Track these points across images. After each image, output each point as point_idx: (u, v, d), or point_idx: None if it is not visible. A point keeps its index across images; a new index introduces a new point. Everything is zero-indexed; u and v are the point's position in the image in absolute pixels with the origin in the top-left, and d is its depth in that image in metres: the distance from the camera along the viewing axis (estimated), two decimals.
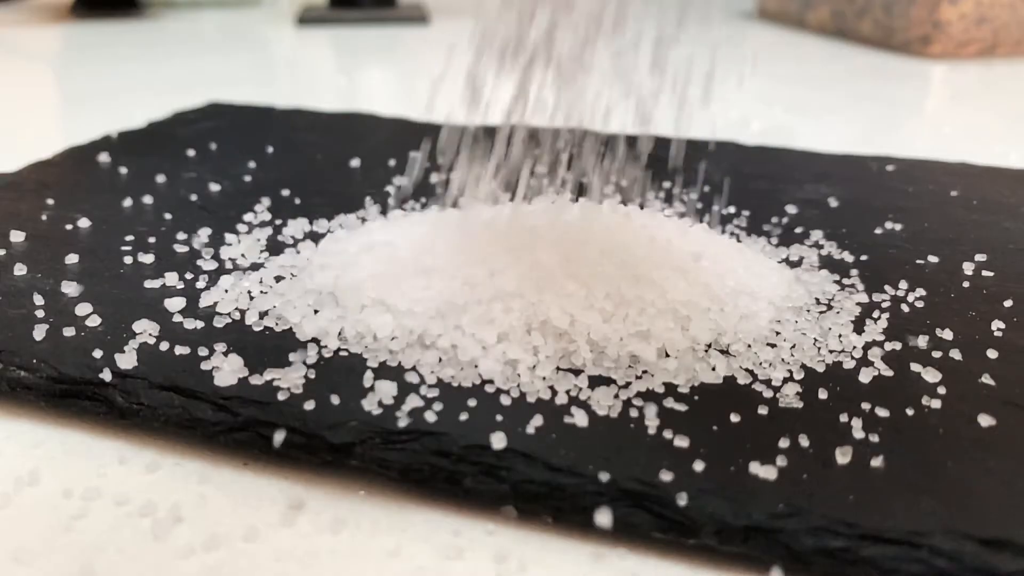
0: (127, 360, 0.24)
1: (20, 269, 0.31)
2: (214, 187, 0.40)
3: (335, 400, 0.23)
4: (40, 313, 0.27)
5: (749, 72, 0.77)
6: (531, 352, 0.24)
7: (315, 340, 0.25)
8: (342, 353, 0.25)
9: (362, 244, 0.29)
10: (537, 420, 0.22)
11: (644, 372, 0.24)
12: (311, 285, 0.28)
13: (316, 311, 0.27)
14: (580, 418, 0.22)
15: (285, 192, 0.40)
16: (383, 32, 1.02)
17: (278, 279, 0.30)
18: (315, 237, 0.34)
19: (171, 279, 0.30)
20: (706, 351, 0.25)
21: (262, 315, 0.27)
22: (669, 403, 0.23)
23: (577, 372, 0.24)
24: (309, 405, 0.22)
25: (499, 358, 0.24)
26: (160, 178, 0.42)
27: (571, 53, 0.26)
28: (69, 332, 0.26)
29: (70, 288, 0.29)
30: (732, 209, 0.38)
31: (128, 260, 0.32)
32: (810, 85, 0.75)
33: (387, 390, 0.23)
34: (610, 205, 0.30)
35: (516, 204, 0.29)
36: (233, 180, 0.42)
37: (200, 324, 0.27)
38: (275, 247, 0.33)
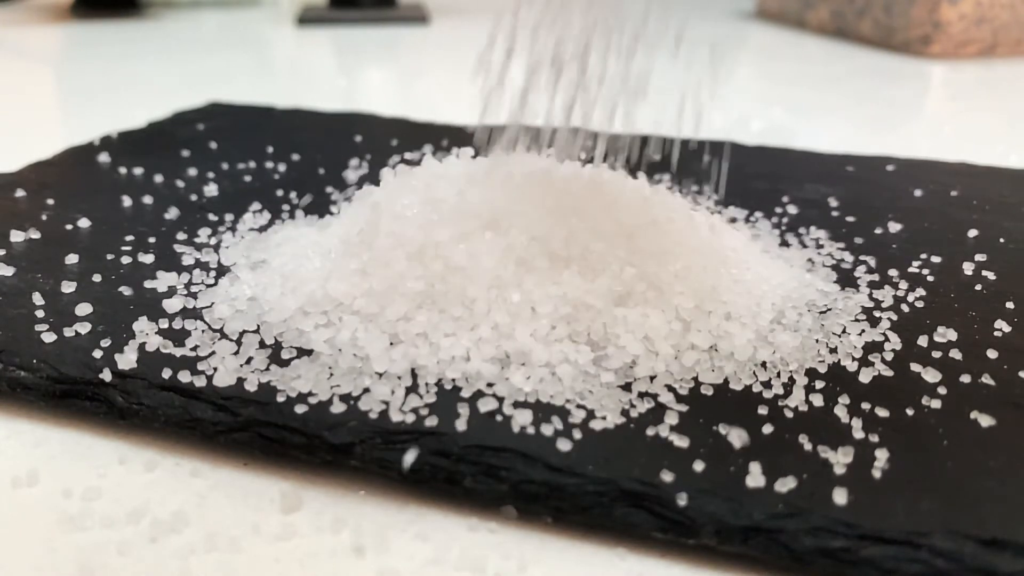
0: (127, 360, 0.24)
1: (20, 269, 0.31)
2: (214, 187, 0.40)
3: (335, 400, 0.23)
4: (40, 313, 0.27)
5: (738, 71, 0.76)
6: (531, 352, 0.24)
7: (314, 339, 0.25)
8: (339, 353, 0.25)
9: (347, 243, 0.28)
10: (537, 420, 0.22)
11: (644, 372, 0.24)
12: (305, 281, 0.28)
13: (314, 310, 0.27)
14: (580, 418, 0.22)
15: (285, 192, 0.40)
16: (383, 32, 1.02)
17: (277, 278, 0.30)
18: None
19: (171, 279, 0.30)
20: (707, 351, 0.25)
21: (261, 315, 0.27)
22: (669, 403, 0.23)
23: (577, 372, 0.24)
24: (308, 405, 0.22)
25: (499, 359, 0.24)
26: (160, 178, 0.42)
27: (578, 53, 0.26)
28: (69, 332, 0.26)
29: (70, 288, 0.29)
30: (731, 209, 0.38)
31: (128, 260, 0.32)
32: (810, 85, 0.75)
33: (386, 390, 0.23)
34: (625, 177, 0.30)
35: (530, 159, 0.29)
36: (233, 180, 0.42)
37: (200, 324, 0.27)
38: (275, 247, 0.33)
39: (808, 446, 0.21)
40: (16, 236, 0.33)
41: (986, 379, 0.24)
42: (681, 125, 0.28)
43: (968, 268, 0.32)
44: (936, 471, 0.21)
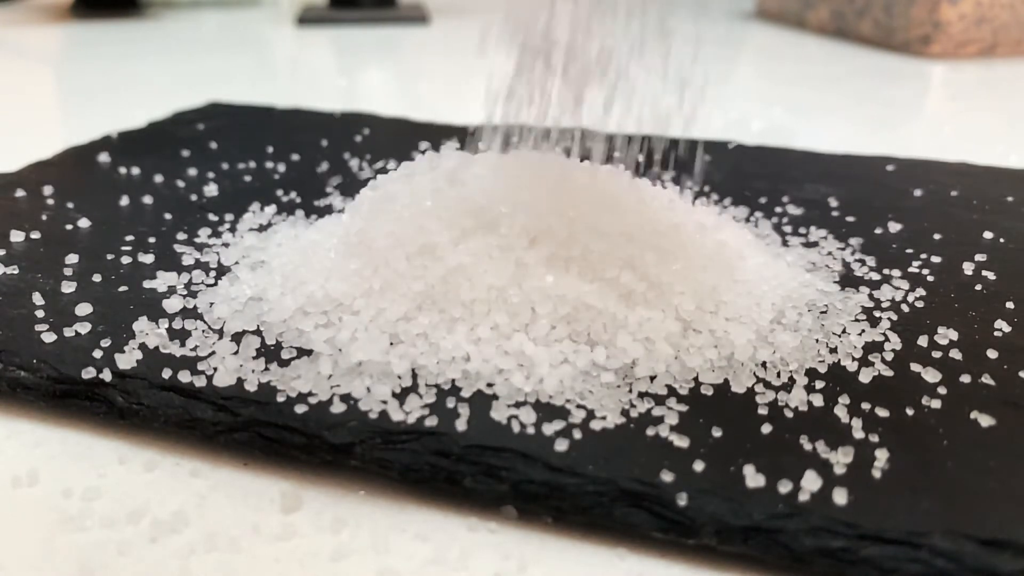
0: (127, 360, 0.24)
1: (20, 269, 0.31)
2: (214, 187, 0.40)
3: (335, 400, 0.23)
4: (40, 313, 0.27)
5: (738, 71, 0.76)
6: (531, 352, 0.24)
7: (314, 339, 0.25)
8: (339, 353, 0.25)
9: (344, 244, 0.28)
10: (537, 420, 0.22)
11: (644, 373, 0.24)
12: (305, 281, 0.28)
13: (314, 310, 0.27)
14: (580, 418, 0.22)
15: (285, 192, 0.40)
16: (383, 32, 1.02)
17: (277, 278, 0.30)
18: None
19: (171, 279, 0.30)
20: (707, 351, 0.25)
21: (261, 315, 0.27)
22: (669, 403, 0.23)
23: (577, 372, 0.24)
24: (308, 405, 0.22)
25: (499, 359, 0.24)
26: (160, 178, 0.42)
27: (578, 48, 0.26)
28: (69, 332, 0.26)
29: (70, 288, 0.29)
30: (731, 209, 0.38)
31: (128, 260, 0.32)
32: (810, 85, 0.75)
33: (386, 390, 0.23)
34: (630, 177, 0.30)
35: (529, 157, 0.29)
36: (233, 180, 0.42)
37: (200, 324, 0.27)
38: (275, 247, 0.33)
39: (808, 446, 0.21)
40: (16, 236, 0.33)
41: (986, 379, 0.24)
42: (681, 125, 0.28)
43: (968, 268, 0.32)
44: (936, 471, 0.21)
